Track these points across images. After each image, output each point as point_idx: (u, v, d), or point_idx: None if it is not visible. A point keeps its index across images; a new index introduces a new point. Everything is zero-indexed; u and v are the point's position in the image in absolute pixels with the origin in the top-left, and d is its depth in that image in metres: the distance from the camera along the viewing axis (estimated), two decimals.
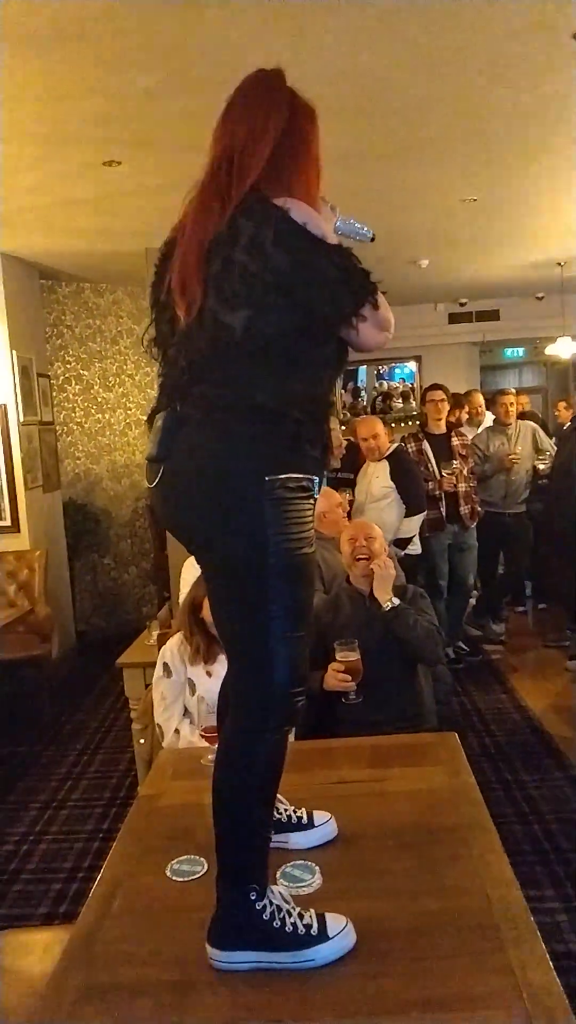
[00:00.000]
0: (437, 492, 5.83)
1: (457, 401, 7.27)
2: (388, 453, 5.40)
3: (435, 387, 6.43)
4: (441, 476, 5.84)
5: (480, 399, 7.53)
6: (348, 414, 10.26)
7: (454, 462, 5.92)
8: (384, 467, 5.33)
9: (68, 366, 7.71)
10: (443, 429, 6.08)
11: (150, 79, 3.48)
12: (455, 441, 6.03)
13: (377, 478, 5.34)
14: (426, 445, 5.94)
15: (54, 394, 7.47)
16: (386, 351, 10.43)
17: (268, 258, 1.51)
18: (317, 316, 1.55)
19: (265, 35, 3.17)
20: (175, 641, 3.17)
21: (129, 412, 7.96)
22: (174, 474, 1.58)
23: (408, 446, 5.92)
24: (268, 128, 1.61)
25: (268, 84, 1.66)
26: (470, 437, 6.47)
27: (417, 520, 5.34)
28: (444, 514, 5.85)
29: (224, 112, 1.67)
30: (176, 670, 3.10)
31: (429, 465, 5.88)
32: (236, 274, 1.52)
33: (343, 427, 7.32)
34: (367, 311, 1.55)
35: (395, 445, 5.61)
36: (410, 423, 11.26)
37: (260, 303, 1.52)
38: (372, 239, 1.81)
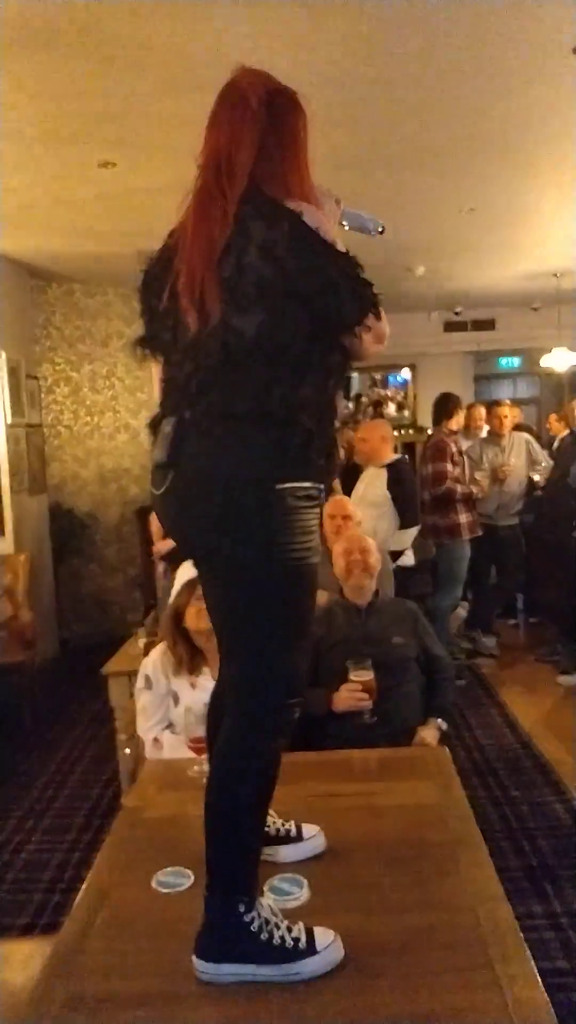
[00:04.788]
0: (479, 495, 5.96)
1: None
2: (388, 462, 5.32)
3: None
4: (476, 480, 5.99)
5: (482, 411, 7.48)
6: (338, 424, 10.26)
7: (481, 470, 6.13)
8: (382, 475, 5.26)
9: (57, 368, 7.67)
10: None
11: (146, 81, 3.47)
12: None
13: (373, 486, 5.27)
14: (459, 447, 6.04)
15: (42, 396, 7.43)
16: (381, 359, 10.52)
17: (281, 262, 1.50)
18: (325, 323, 1.54)
19: (263, 40, 3.16)
20: (158, 652, 3.14)
21: (118, 415, 7.91)
22: (182, 481, 1.57)
23: (451, 446, 5.91)
24: (245, 125, 1.60)
25: (239, 84, 1.64)
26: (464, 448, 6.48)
27: (411, 533, 5.30)
28: (476, 518, 6.01)
29: (208, 123, 1.66)
30: (157, 682, 3.07)
31: (464, 468, 5.96)
32: (249, 278, 1.51)
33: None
34: (371, 321, 1.55)
35: (397, 456, 5.55)
36: (403, 431, 11.27)
37: (273, 308, 1.52)
38: (382, 232, 1.78)
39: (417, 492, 5.48)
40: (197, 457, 1.55)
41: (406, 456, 5.83)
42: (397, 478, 5.24)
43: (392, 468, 5.27)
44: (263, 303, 1.51)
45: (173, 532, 1.67)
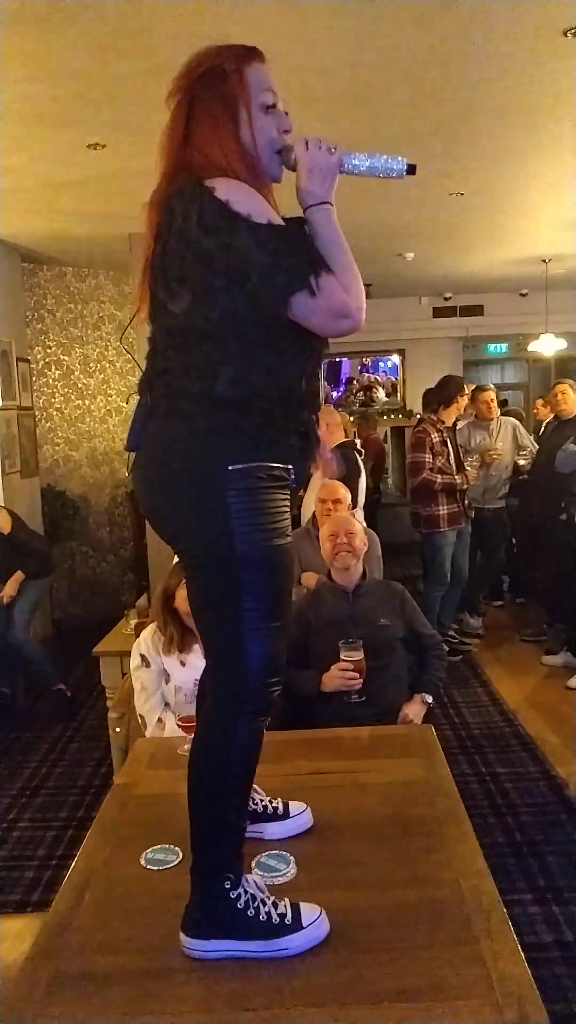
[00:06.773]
0: (464, 486, 5.91)
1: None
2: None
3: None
4: (465, 470, 5.93)
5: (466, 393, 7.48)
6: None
7: (470, 457, 6.05)
8: None
9: (49, 351, 7.64)
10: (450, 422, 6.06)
11: (135, 63, 3.44)
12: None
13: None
14: (447, 436, 5.94)
15: (34, 379, 7.41)
16: (369, 344, 10.53)
17: (195, 241, 1.48)
18: (256, 299, 1.49)
19: (257, 25, 3.14)
20: (149, 632, 3.17)
21: (110, 399, 7.92)
22: (143, 465, 1.60)
23: (432, 436, 5.83)
24: (171, 123, 1.63)
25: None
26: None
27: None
28: (463, 508, 5.96)
29: None
30: (153, 660, 3.09)
31: (451, 458, 5.90)
32: (173, 260, 1.52)
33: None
34: (301, 297, 1.46)
35: (343, 440, 5.47)
36: (393, 416, 11.28)
37: (199, 287, 1.51)
38: (411, 170, 1.58)
39: (355, 476, 5.30)
40: (154, 441, 1.57)
41: (353, 440, 5.73)
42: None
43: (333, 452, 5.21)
44: (189, 285, 1.51)
45: (146, 515, 1.69)
